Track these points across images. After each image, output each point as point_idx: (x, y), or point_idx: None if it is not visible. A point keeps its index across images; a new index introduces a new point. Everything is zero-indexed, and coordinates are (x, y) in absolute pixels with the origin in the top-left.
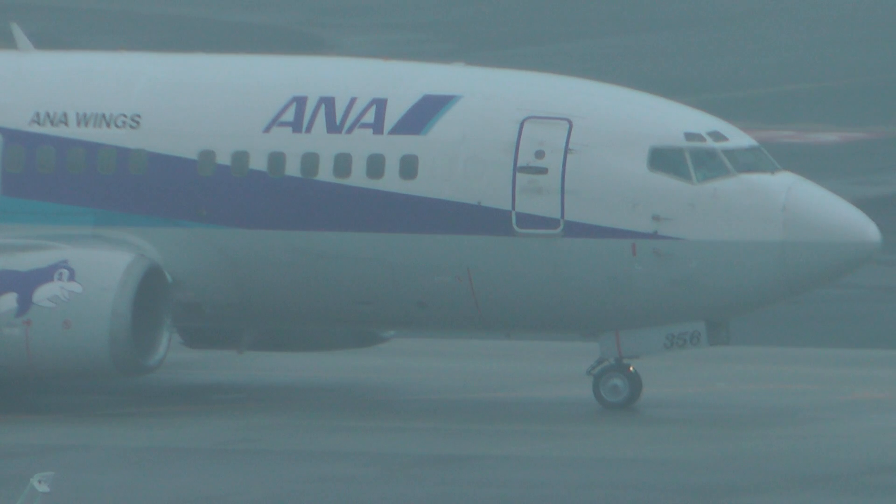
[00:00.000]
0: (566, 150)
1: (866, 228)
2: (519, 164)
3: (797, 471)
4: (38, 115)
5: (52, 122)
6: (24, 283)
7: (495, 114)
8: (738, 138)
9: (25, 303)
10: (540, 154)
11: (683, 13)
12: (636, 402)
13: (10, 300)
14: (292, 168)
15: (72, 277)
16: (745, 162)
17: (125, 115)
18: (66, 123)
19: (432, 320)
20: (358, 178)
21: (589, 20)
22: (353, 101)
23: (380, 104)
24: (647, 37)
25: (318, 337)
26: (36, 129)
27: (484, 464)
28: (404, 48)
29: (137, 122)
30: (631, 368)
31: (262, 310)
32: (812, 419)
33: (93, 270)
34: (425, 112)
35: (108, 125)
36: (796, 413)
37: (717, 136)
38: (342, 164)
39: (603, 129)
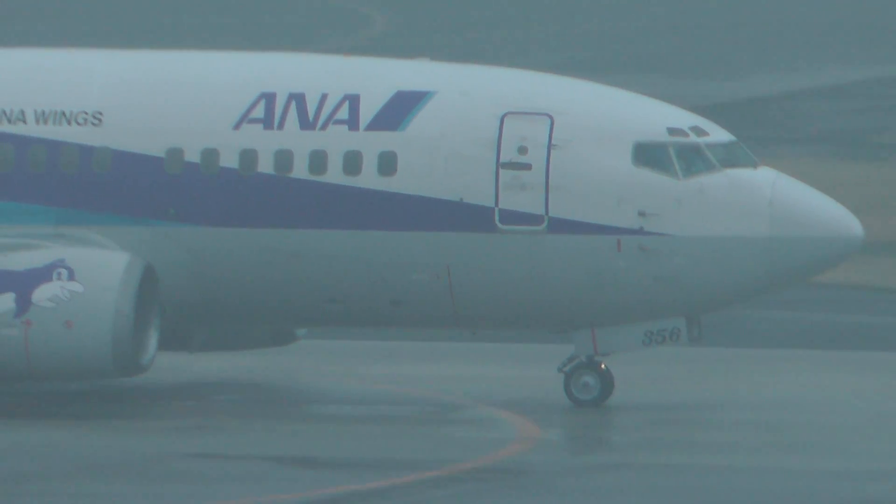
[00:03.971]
0: (549, 146)
1: (851, 223)
2: (502, 159)
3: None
4: None
5: (9, 120)
6: (22, 283)
7: (474, 109)
8: (718, 133)
9: (24, 303)
10: (522, 150)
11: None
12: (608, 400)
13: (7, 300)
14: (265, 165)
15: (71, 277)
16: (727, 157)
17: (86, 113)
18: (24, 121)
19: (404, 318)
20: (334, 174)
21: None
22: (324, 97)
23: (352, 100)
24: None
25: (236, 336)
26: None
27: None
28: None
29: (100, 120)
30: (603, 366)
31: (225, 309)
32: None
33: (93, 270)
34: (401, 108)
35: (68, 123)
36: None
37: (698, 130)
38: (317, 160)
39: (585, 124)
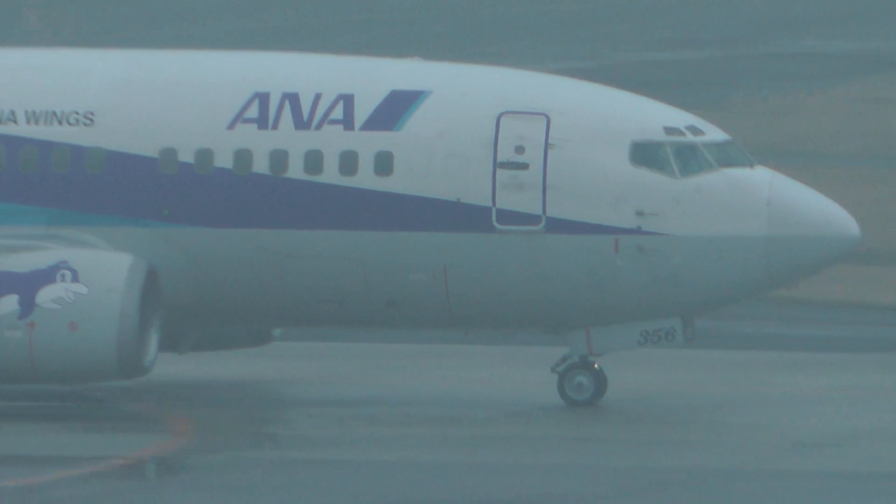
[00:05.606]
0: (546, 145)
1: (848, 223)
2: (499, 159)
3: None
4: None
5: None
6: (25, 285)
7: (470, 109)
8: (713, 133)
9: (28, 305)
10: (520, 149)
11: None
12: (601, 400)
13: (10, 302)
14: (260, 165)
15: (75, 278)
16: (723, 156)
17: (77, 113)
18: (14, 121)
19: (400, 319)
20: (330, 175)
21: None
22: (318, 96)
23: (347, 100)
24: None
25: (212, 337)
26: None
27: None
28: None
29: (91, 120)
30: (596, 366)
31: (219, 310)
32: None
33: (97, 271)
34: (396, 107)
35: (60, 123)
36: None
37: (694, 130)
38: (313, 160)
39: (582, 123)
